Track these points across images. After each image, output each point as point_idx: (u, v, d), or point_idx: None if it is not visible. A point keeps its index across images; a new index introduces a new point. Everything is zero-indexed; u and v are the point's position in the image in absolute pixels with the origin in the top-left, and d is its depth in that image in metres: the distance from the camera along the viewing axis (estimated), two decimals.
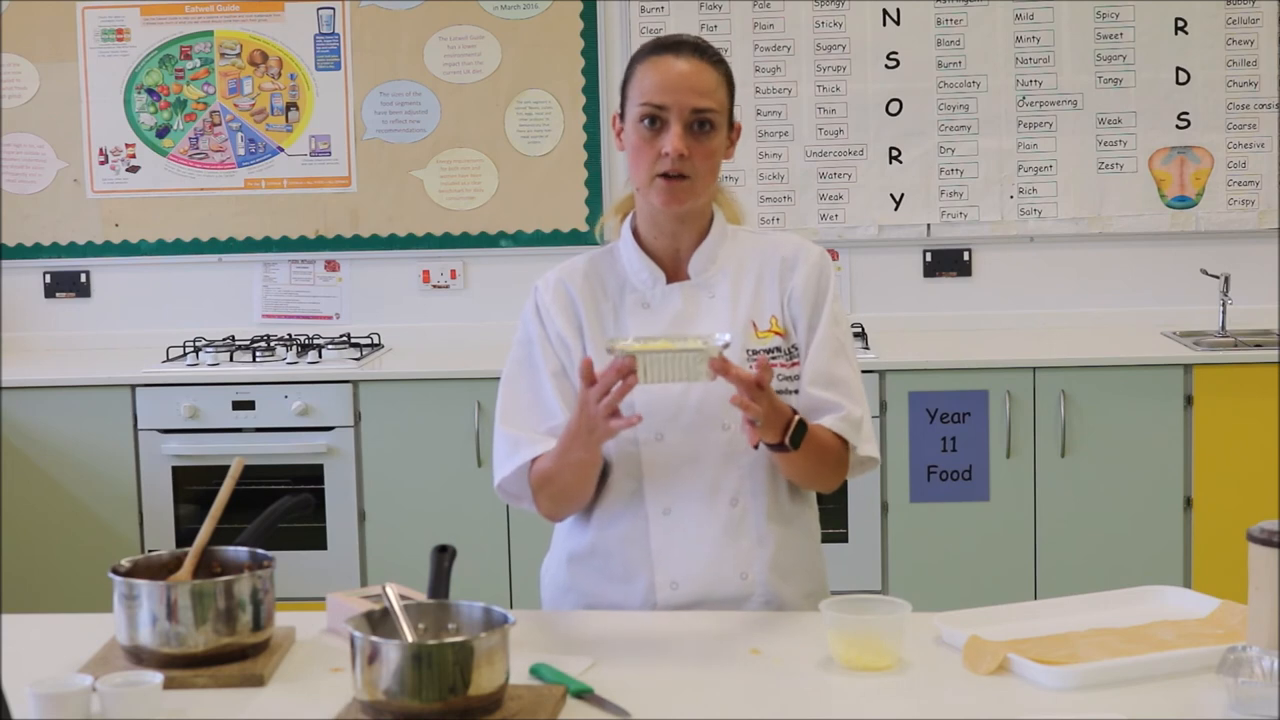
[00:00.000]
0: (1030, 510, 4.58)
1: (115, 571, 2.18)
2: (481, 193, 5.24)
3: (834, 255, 5.18)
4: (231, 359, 4.89)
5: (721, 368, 2.18)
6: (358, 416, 4.70)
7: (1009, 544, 4.59)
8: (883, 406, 4.57)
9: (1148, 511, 4.56)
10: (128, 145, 5.28)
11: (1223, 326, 4.94)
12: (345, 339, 5.10)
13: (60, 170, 5.31)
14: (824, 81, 5.14)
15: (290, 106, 5.25)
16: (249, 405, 4.70)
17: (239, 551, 2.30)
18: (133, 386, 4.72)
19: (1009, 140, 5.12)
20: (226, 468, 2.33)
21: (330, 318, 5.31)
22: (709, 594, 2.44)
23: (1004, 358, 4.61)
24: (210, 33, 5.24)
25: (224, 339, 5.13)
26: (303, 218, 5.28)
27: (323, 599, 2.38)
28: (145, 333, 5.27)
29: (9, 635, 2.32)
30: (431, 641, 1.99)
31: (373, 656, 1.90)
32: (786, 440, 2.31)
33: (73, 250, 5.32)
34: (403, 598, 2.07)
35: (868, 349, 4.70)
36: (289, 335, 5.14)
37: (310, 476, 4.68)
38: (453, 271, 5.30)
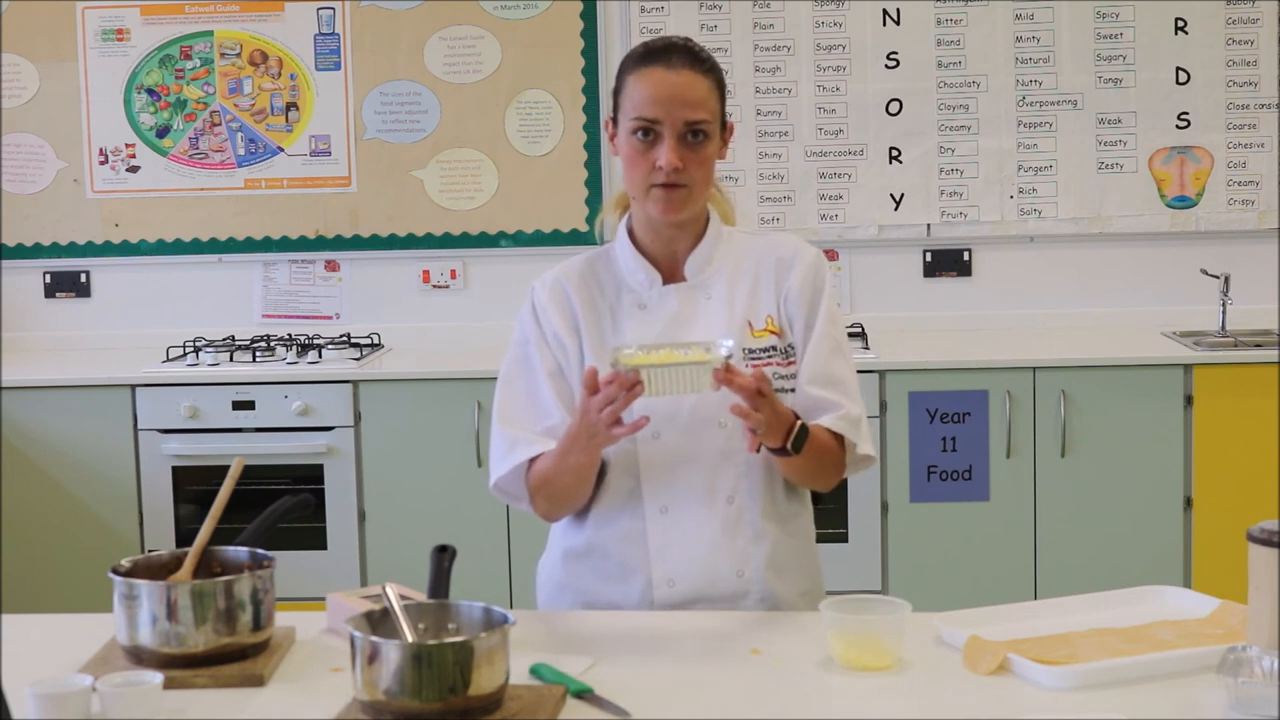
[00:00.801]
0: (1030, 510, 4.58)
1: (115, 571, 2.18)
2: (481, 193, 5.24)
3: (834, 255, 5.19)
4: (231, 359, 4.89)
5: (726, 379, 2.20)
6: (358, 416, 4.70)
7: (1009, 544, 4.59)
8: (883, 406, 4.57)
9: (1148, 511, 4.56)
10: (128, 145, 5.28)
11: (1223, 326, 4.94)
12: (345, 339, 5.10)
13: (60, 170, 5.31)
14: (824, 81, 5.14)
15: (290, 106, 5.25)
16: (249, 405, 4.70)
17: (239, 551, 2.30)
18: (133, 386, 4.72)
19: (1009, 140, 5.12)
20: (226, 468, 2.33)
21: (330, 318, 5.31)
22: (706, 592, 2.45)
23: (1004, 358, 4.61)
24: (210, 33, 5.24)
25: (224, 339, 5.13)
26: (303, 218, 5.28)
27: (323, 599, 2.38)
28: (145, 333, 5.27)
29: (9, 635, 2.32)
30: (431, 641, 1.99)
31: (373, 656, 1.90)
32: (789, 445, 2.32)
33: (73, 250, 5.33)
34: (403, 598, 2.07)
35: (868, 349, 4.70)
36: (289, 335, 5.15)
37: (310, 476, 4.68)
38: (453, 271, 5.30)
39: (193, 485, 4.72)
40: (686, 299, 2.50)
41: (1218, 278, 4.98)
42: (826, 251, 5.13)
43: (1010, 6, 5.08)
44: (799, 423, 2.33)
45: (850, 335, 4.72)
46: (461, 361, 4.79)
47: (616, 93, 2.49)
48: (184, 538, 4.67)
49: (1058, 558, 4.58)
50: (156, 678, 2.00)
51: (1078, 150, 5.11)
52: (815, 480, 2.50)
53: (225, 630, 2.14)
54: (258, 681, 2.12)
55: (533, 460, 2.44)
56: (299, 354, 4.91)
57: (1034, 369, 4.58)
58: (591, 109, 5.17)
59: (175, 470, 4.72)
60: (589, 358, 2.48)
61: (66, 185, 5.31)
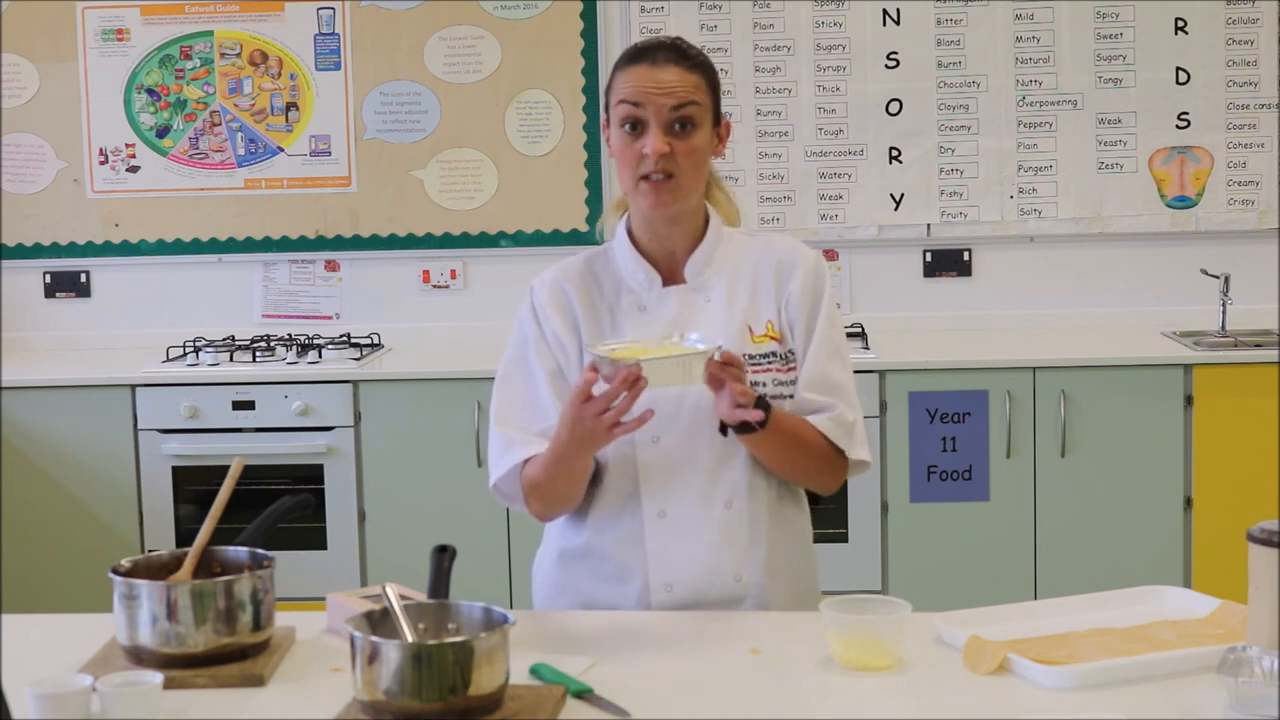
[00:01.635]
0: (1030, 510, 4.58)
1: (115, 571, 2.18)
2: (481, 193, 5.24)
3: (834, 255, 5.19)
4: (231, 359, 4.89)
5: (717, 370, 2.22)
6: (358, 416, 4.70)
7: (1009, 544, 4.59)
8: (883, 406, 4.57)
9: (1148, 511, 4.56)
10: (128, 145, 5.28)
11: (1223, 326, 4.94)
12: (345, 339, 5.10)
13: (60, 170, 5.31)
14: (824, 81, 5.14)
15: (290, 106, 5.25)
16: (249, 405, 4.70)
17: (239, 551, 2.30)
18: (133, 386, 4.73)
19: (1009, 140, 5.12)
20: (226, 468, 2.33)
21: (330, 318, 5.31)
22: (703, 596, 2.45)
23: (1004, 358, 4.61)
24: (210, 33, 5.24)
25: (224, 339, 5.13)
26: (303, 218, 5.28)
27: (323, 599, 2.38)
28: (145, 333, 5.27)
29: (9, 635, 2.32)
30: (431, 641, 1.99)
31: (373, 656, 1.90)
32: (756, 422, 2.32)
33: (73, 250, 5.33)
34: (403, 598, 2.07)
35: (868, 349, 4.70)
36: (289, 335, 5.15)
37: (310, 476, 4.68)
38: (453, 271, 5.30)
39: (193, 485, 4.72)
40: (686, 301, 2.50)
41: (1218, 278, 4.98)
42: (826, 252, 5.15)
43: (1010, 6, 5.08)
44: (760, 397, 2.34)
45: (850, 335, 4.73)
46: (461, 361, 4.79)
47: (607, 92, 2.49)
48: (184, 538, 4.67)
49: (1058, 558, 4.58)
50: (156, 678, 2.00)
51: (1078, 150, 5.11)
52: (807, 475, 2.49)
53: (225, 630, 2.14)
54: (258, 681, 2.12)
55: (527, 461, 2.44)
56: (299, 354, 4.91)
57: (1034, 369, 4.58)
58: (591, 109, 5.17)
59: (175, 470, 4.72)
60: (588, 358, 2.47)
61: (66, 185, 5.31)
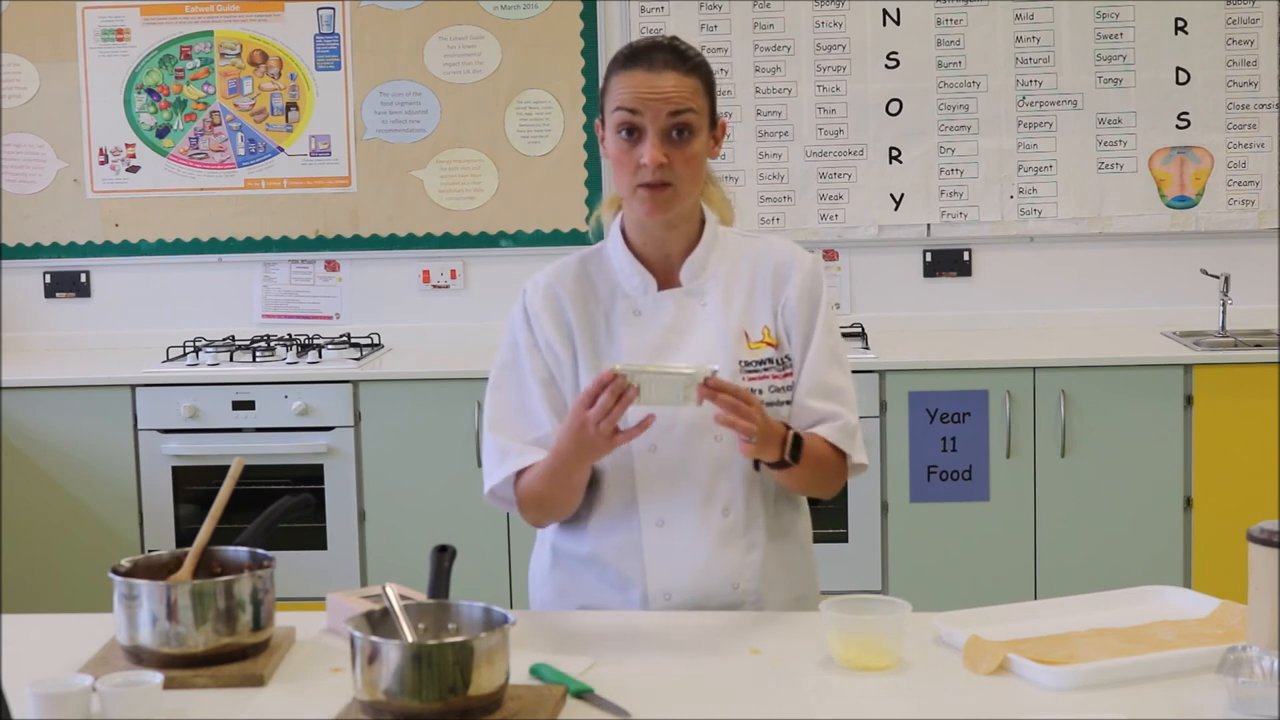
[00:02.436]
0: (1030, 510, 4.58)
1: (115, 571, 2.18)
2: (481, 193, 5.24)
3: (834, 255, 5.19)
4: (231, 359, 4.89)
5: (710, 394, 2.21)
6: (358, 416, 4.70)
7: (1009, 544, 4.59)
8: (883, 406, 4.56)
9: (1148, 511, 4.56)
10: (128, 145, 5.28)
11: (1223, 326, 4.94)
12: (345, 339, 5.10)
13: (60, 170, 5.31)
14: (824, 81, 5.14)
15: (290, 106, 5.25)
16: (249, 405, 4.70)
17: (239, 551, 2.30)
18: (133, 386, 4.72)
19: (1009, 140, 5.12)
20: (226, 468, 2.33)
21: (330, 318, 5.31)
22: (701, 604, 2.45)
23: (1004, 358, 4.61)
24: (210, 33, 5.24)
25: (224, 339, 5.13)
26: (303, 218, 5.28)
27: (323, 599, 2.38)
28: (145, 333, 5.27)
29: (9, 635, 2.32)
30: (431, 641, 1.99)
31: (373, 656, 1.90)
32: (786, 456, 2.32)
33: (73, 250, 5.33)
34: (403, 598, 2.07)
35: (868, 349, 4.70)
36: (289, 335, 5.15)
37: (310, 476, 4.68)
38: (453, 271, 5.30)
39: (193, 485, 4.72)
40: (682, 305, 2.48)
41: (1218, 278, 4.98)
42: (826, 252, 5.15)
43: (1010, 6, 5.08)
44: (791, 432, 2.34)
45: (850, 335, 4.74)
46: (461, 361, 4.79)
47: (603, 93, 2.46)
48: (184, 538, 4.67)
49: (1058, 558, 4.58)
50: (156, 678, 2.00)
51: (1078, 150, 5.11)
52: (817, 489, 2.50)
53: (225, 630, 2.14)
54: (258, 681, 2.12)
55: (521, 472, 2.43)
56: (299, 354, 4.91)
57: (1034, 369, 4.58)
58: (591, 109, 5.17)
59: (175, 470, 4.72)
60: (583, 365, 2.46)
61: (66, 185, 5.31)
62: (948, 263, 5.20)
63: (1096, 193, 5.12)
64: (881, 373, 4.57)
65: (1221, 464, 4.52)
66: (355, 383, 4.71)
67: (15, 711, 1.87)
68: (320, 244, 5.28)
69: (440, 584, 2.13)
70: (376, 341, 5.14)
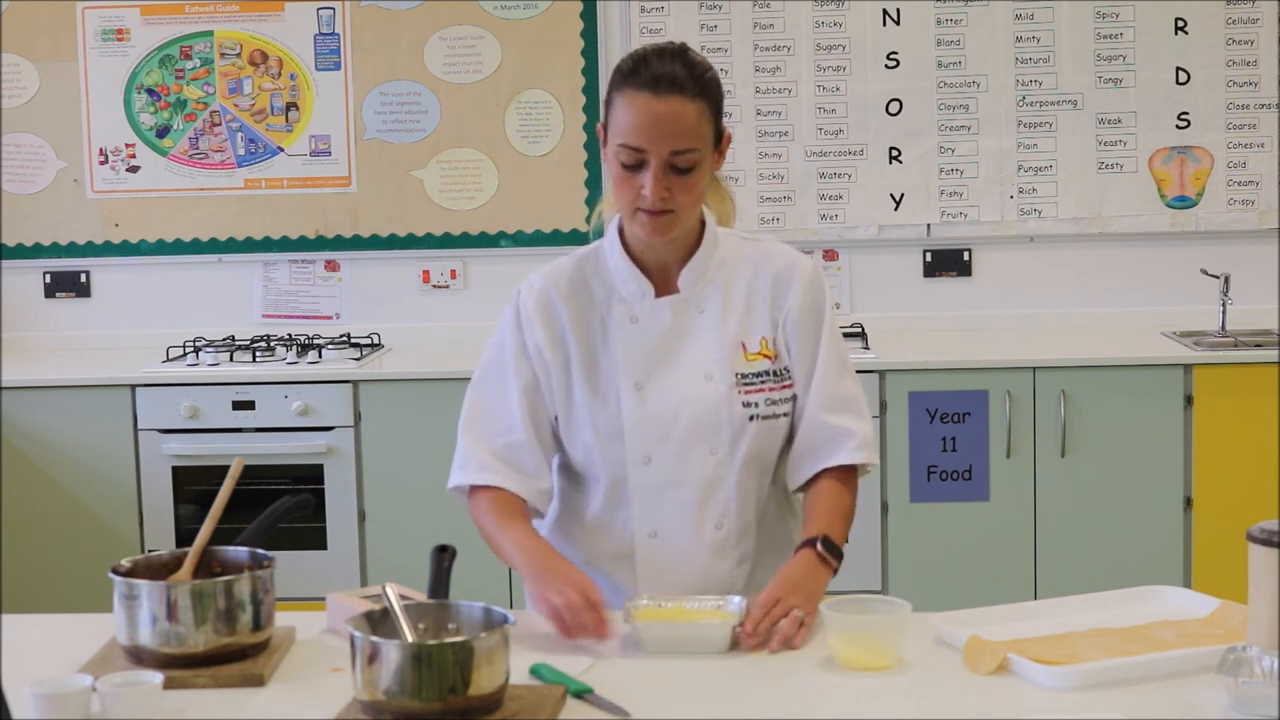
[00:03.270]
0: (1030, 510, 4.58)
1: (115, 571, 2.18)
2: (481, 193, 5.24)
3: (834, 255, 5.19)
4: (231, 359, 4.89)
5: (750, 638, 2.20)
6: (358, 416, 4.70)
7: (1009, 544, 4.59)
8: (883, 406, 4.56)
9: (1148, 511, 4.56)
10: (128, 145, 5.28)
11: (1223, 326, 4.94)
12: (345, 339, 5.10)
13: (60, 170, 5.31)
14: (824, 81, 5.14)
15: (290, 106, 5.25)
16: (249, 405, 4.70)
17: (239, 551, 2.30)
18: (133, 386, 4.72)
19: (1009, 140, 5.11)
20: (226, 468, 2.33)
21: (330, 318, 5.31)
22: None
23: (1004, 358, 4.61)
24: (210, 33, 5.24)
25: (224, 339, 5.13)
26: (303, 218, 5.28)
27: (323, 599, 2.38)
28: (145, 333, 5.27)
29: (9, 635, 2.32)
30: (431, 641, 1.99)
31: (373, 656, 1.90)
32: (836, 567, 2.36)
33: (73, 250, 5.33)
34: (403, 598, 2.07)
35: (868, 349, 4.70)
36: (289, 335, 5.14)
37: (310, 476, 4.68)
38: (453, 271, 5.30)
39: (193, 485, 4.72)
40: (680, 313, 2.46)
41: (1218, 278, 4.98)
42: (826, 252, 5.15)
43: (1010, 6, 5.08)
44: (820, 546, 2.35)
45: (850, 335, 4.74)
46: (461, 361, 4.76)
47: (607, 106, 2.41)
48: (184, 538, 4.67)
49: (1058, 558, 4.58)
50: (156, 678, 2.00)
51: (1078, 150, 5.11)
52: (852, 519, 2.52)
53: (225, 630, 2.14)
54: (258, 681, 2.12)
55: (478, 490, 2.46)
56: (299, 354, 4.91)
57: (1034, 369, 4.58)
58: (591, 109, 5.17)
59: (175, 470, 4.72)
60: (577, 370, 2.45)
61: (66, 185, 5.31)
62: (948, 263, 5.20)
63: (1096, 193, 5.12)
64: (881, 373, 4.57)
65: (1221, 464, 4.52)
66: (355, 383, 4.71)
67: (15, 711, 1.87)
68: (320, 244, 5.28)
69: (440, 584, 2.13)
70: (376, 341, 5.14)
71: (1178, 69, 5.08)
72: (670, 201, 2.34)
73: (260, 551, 2.29)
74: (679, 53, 2.37)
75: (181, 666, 2.12)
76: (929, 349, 4.75)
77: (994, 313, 5.18)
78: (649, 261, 2.47)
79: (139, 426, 4.73)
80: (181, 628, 2.12)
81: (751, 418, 2.42)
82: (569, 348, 2.46)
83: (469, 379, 4.80)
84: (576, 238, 5.15)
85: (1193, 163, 5.10)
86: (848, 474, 2.48)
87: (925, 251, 5.20)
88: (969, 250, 5.20)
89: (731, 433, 2.42)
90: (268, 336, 5.12)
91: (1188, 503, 4.56)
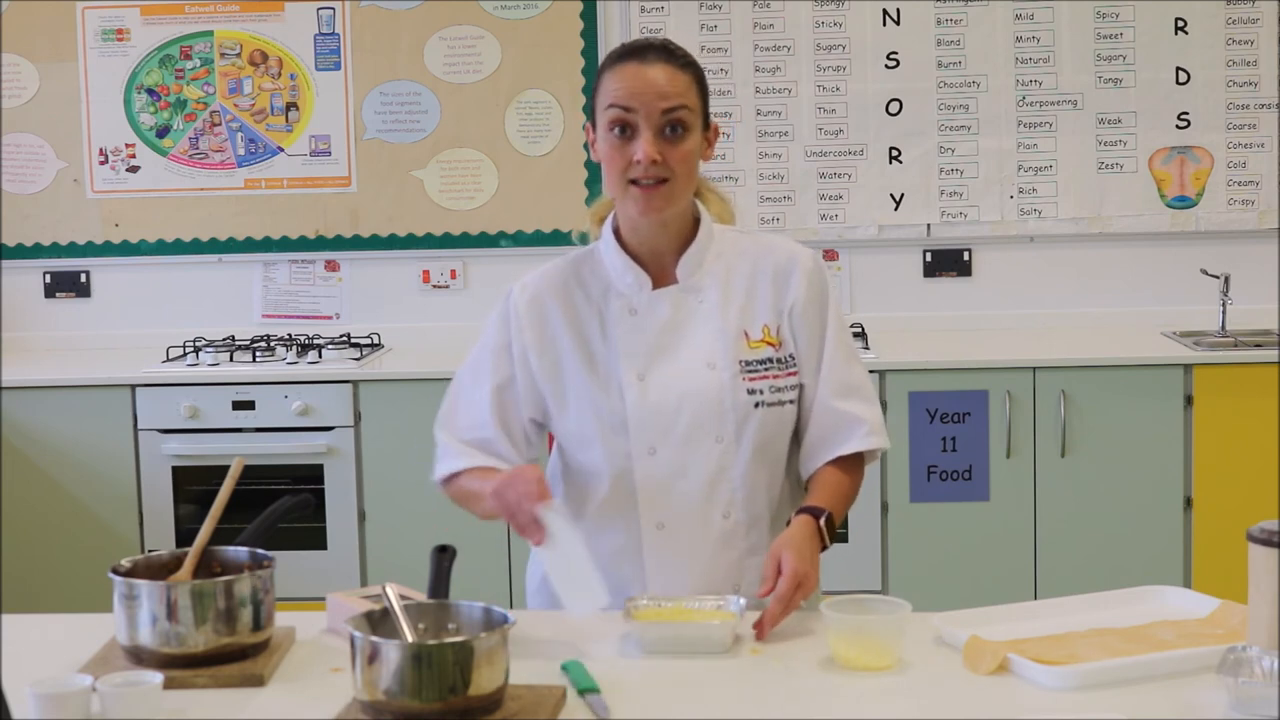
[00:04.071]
0: (1030, 510, 4.58)
1: (115, 571, 2.18)
2: (481, 193, 5.24)
3: (834, 255, 5.19)
4: (231, 359, 4.89)
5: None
6: (358, 416, 4.70)
7: (1009, 544, 4.59)
8: (883, 406, 4.55)
9: (1148, 511, 4.56)
10: (128, 145, 5.28)
11: (1223, 326, 4.94)
12: (345, 339, 5.10)
13: (60, 170, 5.31)
14: (824, 81, 5.14)
15: (290, 106, 5.25)
16: (249, 405, 4.70)
17: (239, 551, 2.30)
18: (133, 386, 4.73)
19: (1009, 140, 5.12)
20: (226, 468, 2.33)
21: (330, 318, 5.31)
22: None
23: (1004, 358, 4.61)
24: (210, 33, 5.24)
25: (224, 339, 5.13)
26: (303, 218, 5.28)
27: (323, 599, 2.38)
28: (145, 333, 5.27)
29: (9, 635, 2.32)
30: (431, 641, 1.99)
31: (373, 656, 1.90)
32: (829, 543, 2.38)
33: (73, 250, 5.33)
34: (403, 598, 2.07)
35: (868, 349, 4.70)
36: (289, 335, 5.15)
37: (310, 476, 4.68)
38: (453, 271, 5.30)
39: (193, 485, 4.72)
40: (678, 303, 2.46)
41: (1218, 278, 4.98)
42: (826, 252, 5.15)
43: (1010, 6, 5.08)
44: (821, 522, 2.36)
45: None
46: (461, 361, 4.77)
47: (594, 93, 2.43)
48: (184, 538, 4.67)
49: (1058, 558, 4.58)
50: (156, 678, 2.00)
51: (1078, 150, 5.11)
52: (852, 502, 2.53)
53: (225, 630, 2.14)
54: (258, 681, 2.12)
55: (456, 474, 2.48)
56: (299, 354, 4.91)
57: (1034, 369, 4.58)
58: (591, 109, 5.16)
59: (175, 470, 4.72)
60: (576, 368, 2.45)
61: (66, 185, 5.31)
62: (948, 263, 5.20)
63: (1096, 193, 5.12)
64: (881, 373, 4.57)
65: (1221, 464, 4.52)
66: (355, 383, 4.71)
67: (15, 711, 1.87)
68: (320, 244, 5.28)
69: (440, 584, 2.13)
70: (376, 341, 5.14)
71: (1178, 69, 5.08)
72: (663, 169, 2.34)
73: (260, 551, 2.29)
74: (661, 41, 2.44)
75: (181, 666, 2.12)
76: (929, 349, 4.75)
77: (994, 313, 5.18)
78: (645, 255, 2.47)
79: (139, 426, 4.73)
80: (181, 628, 2.12)
81: (757, 404, 2.42)
82: (562, 346, 2.46)
83: None
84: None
85: (1193, 163, 5.10)
86: (852, 461, 2.48)
87: (925, 251, 5.20)
88: (969, 250, 5.20)
89: (736, 420, 2.42)
90: (268, 336, 5.12)
91: (1188, 503, 4.56)
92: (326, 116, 5.25)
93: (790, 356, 2.47)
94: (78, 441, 4.73)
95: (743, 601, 2.27)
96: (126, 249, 5.31)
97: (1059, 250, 5.18)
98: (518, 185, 5.22)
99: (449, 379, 4.74)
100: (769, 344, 2.46)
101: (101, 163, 5.29)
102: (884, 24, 5.11)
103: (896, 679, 2.08)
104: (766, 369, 2.44)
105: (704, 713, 2.01)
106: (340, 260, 5.31)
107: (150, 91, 5.28)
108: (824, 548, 2.37)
